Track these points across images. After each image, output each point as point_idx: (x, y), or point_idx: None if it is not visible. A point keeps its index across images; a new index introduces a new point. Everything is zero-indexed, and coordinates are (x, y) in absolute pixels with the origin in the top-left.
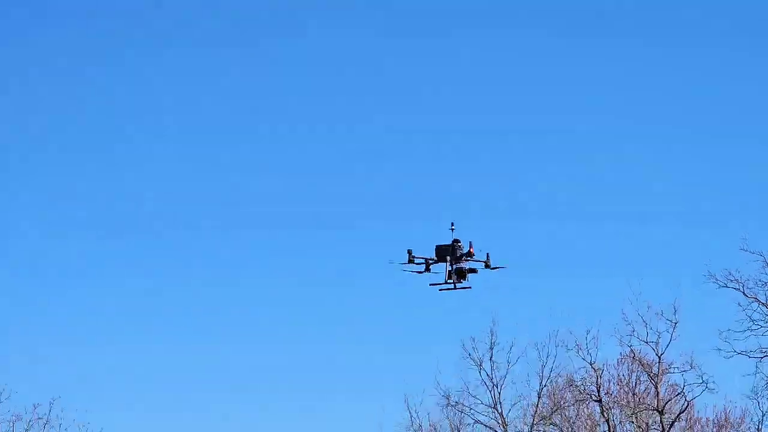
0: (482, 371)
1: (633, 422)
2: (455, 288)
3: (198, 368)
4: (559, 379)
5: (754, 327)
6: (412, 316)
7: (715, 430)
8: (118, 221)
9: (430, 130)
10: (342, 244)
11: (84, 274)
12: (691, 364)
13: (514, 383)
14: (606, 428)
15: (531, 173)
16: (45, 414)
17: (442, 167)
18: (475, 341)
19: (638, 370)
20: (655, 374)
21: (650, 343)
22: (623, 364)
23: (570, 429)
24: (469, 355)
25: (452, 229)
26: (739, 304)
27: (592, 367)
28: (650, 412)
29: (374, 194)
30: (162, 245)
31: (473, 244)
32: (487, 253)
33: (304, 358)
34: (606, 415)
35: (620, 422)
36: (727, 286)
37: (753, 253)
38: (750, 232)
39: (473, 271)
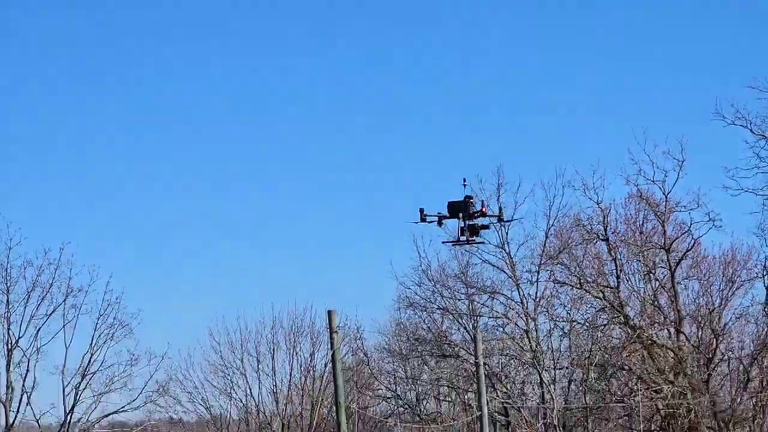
0: (490, 211)
1: (640, 261)
2: (468, 243)
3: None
4: (566, 219)
5: (761, 164)
6: (419, 154)
7: (721, 267)
8: None
9: None
10: None
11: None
12: (698, 202)
13: (521, 223)
14: (613, 267)
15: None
16: (55, 259)
17: None
18: (483, 181)
19: (645, 209)
20: (661, 213)
21: (657, 182)
22: (630, 203)
23: (577, 268)
24: (477, 195)
25: (464, 185)
26: (746, 141)
27: (599, 207)
28: (657, 250)
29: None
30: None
31: (486, 203)
32: (500, 207)
33: (316, 202)
34: (613, 254)
35: (627, 261)
36: (734, 124)
37: (761, 90)
38: (759, 69)
39: (486, 227)
